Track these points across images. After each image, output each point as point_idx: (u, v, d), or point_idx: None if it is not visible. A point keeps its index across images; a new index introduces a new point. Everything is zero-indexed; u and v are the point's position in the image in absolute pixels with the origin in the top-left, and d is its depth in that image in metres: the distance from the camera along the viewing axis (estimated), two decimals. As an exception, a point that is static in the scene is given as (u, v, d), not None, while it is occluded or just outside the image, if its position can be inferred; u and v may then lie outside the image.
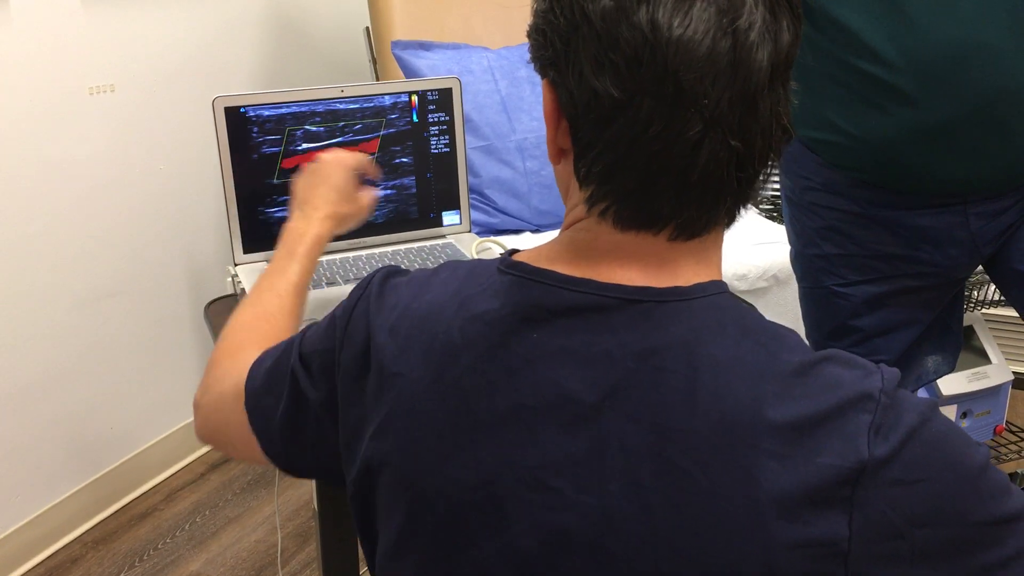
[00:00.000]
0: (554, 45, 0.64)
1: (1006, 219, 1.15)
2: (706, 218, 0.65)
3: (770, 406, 0.60)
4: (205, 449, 2.28)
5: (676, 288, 0.65)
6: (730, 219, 0.67)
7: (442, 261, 1.40)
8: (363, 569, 1.83)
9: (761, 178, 0.66)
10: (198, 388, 0.89)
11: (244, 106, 1.37)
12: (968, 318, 1.91)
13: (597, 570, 0.63)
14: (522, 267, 0.68)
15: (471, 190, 1.78)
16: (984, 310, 1.95)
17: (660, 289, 0.64)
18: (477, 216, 1.78)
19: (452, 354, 0.68)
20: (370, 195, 1.18)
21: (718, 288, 0.66)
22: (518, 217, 1.82)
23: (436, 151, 1.48)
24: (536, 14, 0.66)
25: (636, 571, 0.62)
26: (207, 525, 2.00)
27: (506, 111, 1.85)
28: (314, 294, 1.30)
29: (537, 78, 1.96)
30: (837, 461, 0.60)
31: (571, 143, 0.65)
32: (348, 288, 1.32)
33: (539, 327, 0.65)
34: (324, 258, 1.43)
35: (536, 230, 1.82)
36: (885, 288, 1.23)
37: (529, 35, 0.67)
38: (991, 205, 1.14)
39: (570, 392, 0.63)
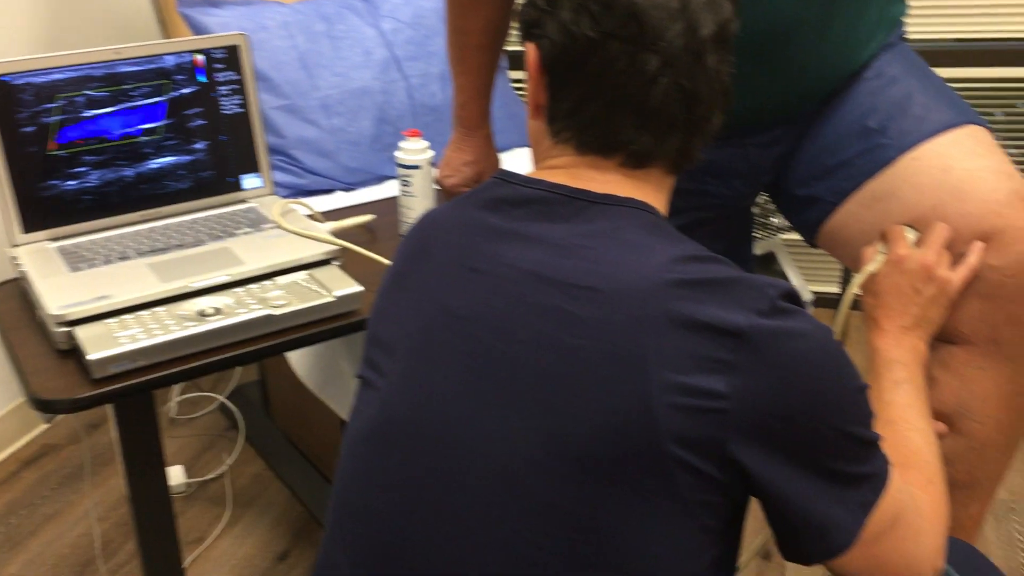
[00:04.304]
0: (537, 4, 0.79)
1: (779, 148, 1.21)
2: (656, 150, 0.79)
3: (668, 271, 0.70)
4: (16, 446, 2.14)
5: (611, 195, 0.78)
6: (677, 157, 0.80)
7: (243, 227, 1.35)
8: (187, 559, 1.77)
9: (707, 125, 0.80)
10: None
11: (8, 74, 1.26)
12: (769, 244, 2.02)
13: (504, 406, 0.72)
14: (500, 173, 0.83)
15: (276, 151, 1.73)
16: (783, 236, 2.07)
17: (598, 193, 0.78)
18: (284, 178, 1.72)
19: (432, 230, 0.84)
20: None
21: (648, 207, 0.79)
22: (328, 176, 1.77)
23: (228, 112, 1.41)
24: None
25: (539, 402, 0.70)
26: (23, 525, 1.88)
27: (306, 68, 1.79)
28: (103, 269, 1.23)
29: (336, 33, 1.91)
30: (723, 315, 0.68)
31: (547, 96, 0.80)
32: (141, 262, 1.25)
33: (498, 213, 0.79)
34: (114, 232, 1.35)
35: (348, 188, 1.78)
36: (679, 223, 1.27)
37: (520, 10, 0.82)
38: (765, 136, 1.19)
39: (508, 260, 0.75)
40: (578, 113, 0.79)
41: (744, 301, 0.69)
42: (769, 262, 2.00)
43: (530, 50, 0.81)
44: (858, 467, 0.72)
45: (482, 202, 0.82)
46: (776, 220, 2.05)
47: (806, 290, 2.00)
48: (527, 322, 0.72)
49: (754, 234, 2.01)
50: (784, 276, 1.99)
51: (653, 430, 0.67)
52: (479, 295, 0.76)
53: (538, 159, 0.85)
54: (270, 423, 2.12)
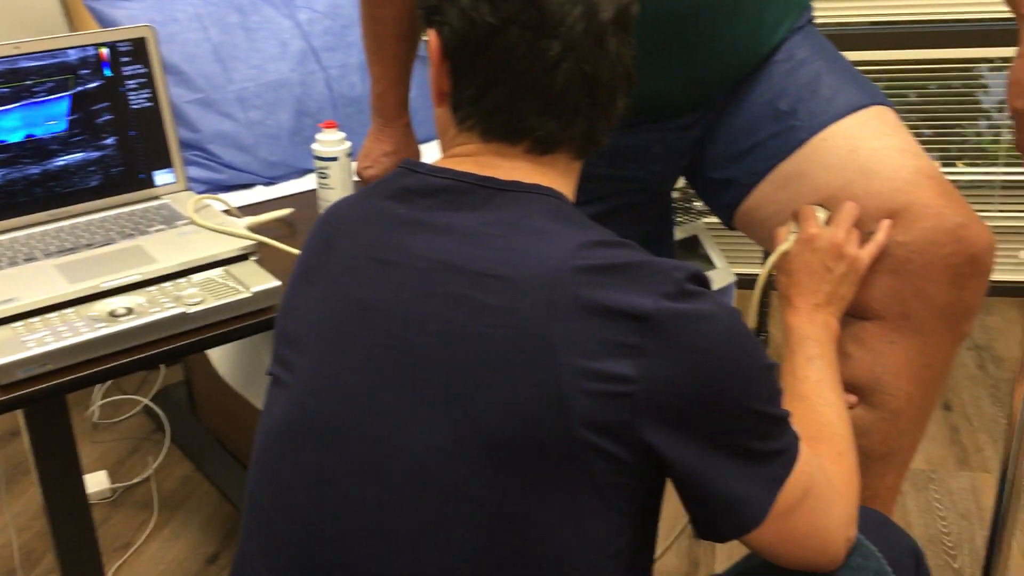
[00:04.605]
0: None
1: (696, 132, 1.22)
2: (561, 136, 0.78)
3: (575, 258, 0.70)
4: (-70, 458, 2.06)
5: (518, 182, 0.78)
6: (582, 142, 0.80)
7: (156, 224, 1.32)
8: (114, 565, 1.73)
9: (611, 109, 0.80)
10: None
11: (-102, 71, 1.21)
12: (692, 227, 2.04)
13: (420, 402, 0.71)
14: (406, 162, 0.82)
15: (191, 146, 1.69)
16: (706, 219, 2.09)
17: (504, 180, 0.77)
18: (201, 173, 1.68)
19: (337, 222, 0.82)
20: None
21: (555, 193, 0.79)
22: (247, 171, 1.73)
23: (137, 106, 1.38)
24: None
25: (451, 393, 0.70)
26: (-60, 539, 1.82)
27: (220, 60, 1.75)
28: (9, 271, 1.19)
29: (251, 24, 1.88)
30: (629, 300, 0.68)
31: (450, 83, 0.79)
32: (49, 263, 1.21)
33: (405, 203, 0.78)
34: (20, 233, 1.31)
35: (268, 182, 1.74)
36: (601, 208, 1.28)
37: None
38: (682, 120, 1.20)
39: (416, 251, 0.75)
40: (481, 100, 0.78)
41: (650, 285, 0.69)
42: (693, 245, 2.03)
43: (431, 37, 0.81)
44: (767, 444, 0.73)
45: (389, 192, 0.81)
46: (699, 203, 2.07)
47: (729, 272, 2.03)
48: (437, 312, 0.72)
49: (676, 217, 2.04)
50: (708, 259, 2.02)
51: (564, 416, 0.67)
52: (388, 287, 0.75)
53: (445, 147, 0.85)
54: (197, 424, 2.08)
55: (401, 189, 0.80)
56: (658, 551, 1.19)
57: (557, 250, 0.71)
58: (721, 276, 2.01)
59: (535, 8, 0.75)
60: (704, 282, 0.73)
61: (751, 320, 1.18)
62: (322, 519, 0.74)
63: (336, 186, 1.42)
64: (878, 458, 1.11)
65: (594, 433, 0.68)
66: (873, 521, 0.91)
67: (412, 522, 0.70)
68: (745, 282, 2.47)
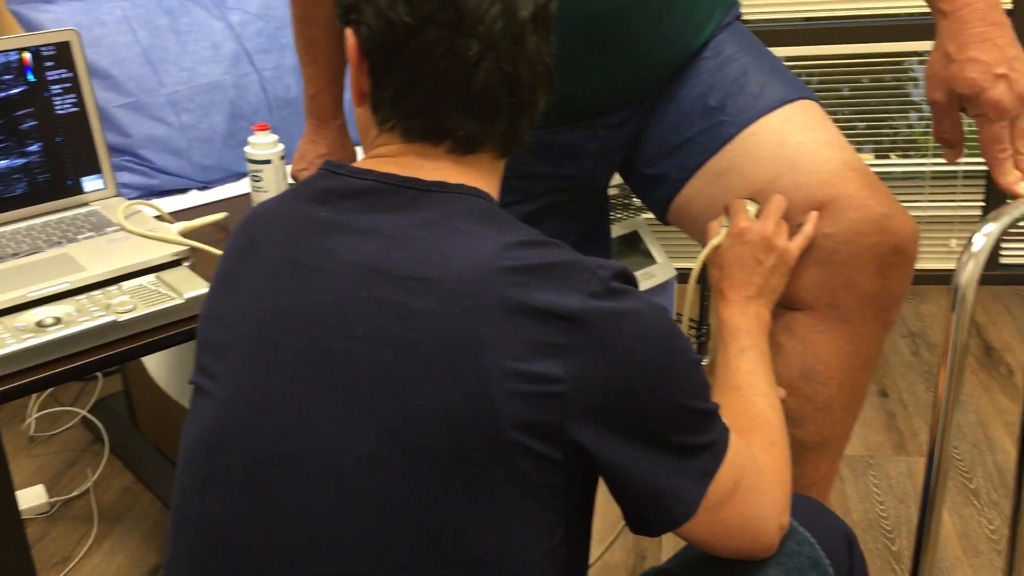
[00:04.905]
0: None
1: (628, 129, 1.23)
2: (483, 135, 0.78)
3: (501, 258, 0.70)
4: None
5: (442, 183, 0.77)
6: (505, 141, 0.80)
7: (85, 231, 1.29)
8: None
9: (532, 108, 0.80)
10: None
11: None
12: (632, 223, 2.06)
13: (347, 409, 0.70)
14: (328, 164, 0.81)
15: (122, 151, 1.65)
16: (646, 215, 2.11)
17: (427, 181, 0.77)
18: (133, 179, 1.65)
19: (258, 227, 0.81)
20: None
21: (479, 193, 0.78)
22: (181, 175, 1.71)
23: (63, 111, 1.35)
24: None
25: (379, 398, 0.69)
26: None
27: (150, 64, 1.72)
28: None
29: (181, 27, 1.85)
30: (556, 300, 0.69)
31: (369, 82, 0.79)
32: (-27, 273, 1.18)
33: (327, 206, 0.77)
34: (-57, 244, 1.27)
35: (203, 187, 1.72)
36: (536, 205, 1.29)
37: None
38: (613, 117, 1.21)
39: (340, 254, 0.74)
40: (402, 100, 0.78)
41: (577, 284, 0.70)
42: (633, 241, 2.04)
43: (348, 36, 0.79)
44: (697, 438, 0.74)
45: (310, 195, 0.80)
46: (638, 199, 2.09)
47: (670, 267, 2.05)
48: (363, 317, 0.71)
49: (617, 214, 2.06)
50: (648, 254, 2.04)
51: (493, 418, 0.67)
52: (312, 292, 0.74)
53: (366, 148, 0.84)
54: (137, 433, 2.04)
55: (323, 191, 0.79)
56: (603, 545, 1.20)
57: (483, 251, 0.71)
58: (662, 271, 2.03)
59: (453, 7, 0.74)
60: (630, 279, 0.74)
61: (688, 314, 1.20)
62: (250, 533, 0.73)
63: (270, 189, 1.41)
64: (813, 447, 1.13)
65: (524, 434, 0.68)
66: (806, 507, 0.93)
67: (343, 531, 0.70)
68: (686, 277, 2.48)
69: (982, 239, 0.92)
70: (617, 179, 1.39)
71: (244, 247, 0.81)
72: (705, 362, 2.10)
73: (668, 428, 0.72)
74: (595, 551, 1.22)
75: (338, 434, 0.70)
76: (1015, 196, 1.00)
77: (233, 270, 0.81)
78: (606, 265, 0.72)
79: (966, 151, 1.08)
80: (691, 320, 2.23)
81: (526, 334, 0.68)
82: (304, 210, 0.79)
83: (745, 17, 2.38)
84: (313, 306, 0.73)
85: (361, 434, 0.69)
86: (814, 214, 1.06)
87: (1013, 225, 0.99)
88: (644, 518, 0.75)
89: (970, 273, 0.91)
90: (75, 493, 1.92)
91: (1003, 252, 2.58)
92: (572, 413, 0.68)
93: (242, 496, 0.73)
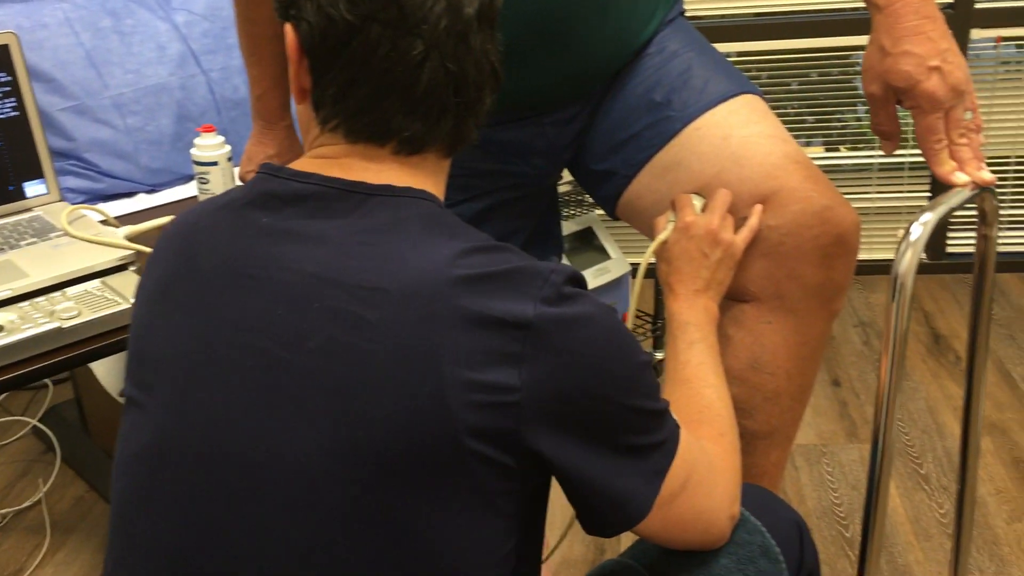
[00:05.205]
0: None
1: (576, 125, 1.24)
2: (429, 136, 0.77)
3: (453, 267, 0.69)
4: None
5: (389, 186, 0.75)
6: (451, 141, 0.79)
7: (28, 237, 1.27)
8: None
9: (478, 107, 0.78)
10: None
11: None
12: (586, 219, 2.07)
13: (300, 419, 0.69)
14: (267, 167, 0.78)
15: (66, 155, 1.63)
16: (600, 211, 2.12)
17: (374, 184, 0.75)
18: (79, 183, 1.62)
19: (195, 235, 0.78)
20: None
21: (427, 196, 0.77)
22: (128, 179, 1.69)
23: (2, 116, 1.33)
24: None
25: (333, 411, 0.68)
26: None
27: (94, 66, 1.69)
28: None
29: (125, 28, 1.82)
30: (510, 307, 0.68)
31: (311, 80, 0.76)
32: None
33: (269, 212, 0.75)
34: None
35: (151, 190, 1.70)
36: (486, 203, 1.29)
37: None
38: (561, 114, 1.22)
39: (286, 263, 0.72)
40: (344, 100, 0.75)
41: (529, 290, 0.69)
42: (587, 237, 2.05)
43: (288, 32, 0.77)
44: (648, 437, 0.75)
45: (250, 199, 0.77)
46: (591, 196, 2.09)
47: (624, 262, 2.06)
48: (316, 328, 0.69)
49: (570, 210, 2.07)
50: (603, 250, 2.05)
51: (449, 427, 0.67)
52: (260, 304, 0.72)
53: (308, 146, 0.82)
54: (89, 442, 2.01)
55: (264, 195, 0.76)
56: (555, 540, 1.20)
57: (434, 260, 0.70)
58: (617, 266, 2.04)
59: (395, 5, 0.72)
60: (581, 283, 0.74)
61: (635, 308, 1.20)
62: (196, 551, 0.71)
63: (218, 191, 1.39)
64: (763, 436, 1.14)
65: (481, 443, 0.67)
66: (757, 497, 0.94)
67: (297, 544, 0.69)
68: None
69: (919, 228, 0.94)
70: (569, 175, 1.39)
71: (180, 256, 0.78)
72: (660, 356, 2.12)
73: (620, 430, 0.73)
74: (552, 545, 1.22)
75: (292, 447, 0.69)
76: (953, 186, 1.03)
77: (170, 279, 0.78)
78: (558, 269, 0.71)
79: (906, 143, 1.10)
80: (645, 313, 2.25)
81: (482, 343, 0.67)
82: (245, 216, 0.76)
83: (694, 13, 2.42)
84: (262, 318, 0.71)
85: (315, 447, 0.68)
86: (758, 207, 1.08)
87: (952, 213, 1.01)
88: (599, 519, 0.75)
89: (908, 261, 0.93)
90: (27, 504, 1.89)
91: (950, 241, 2.63)
92: (527, 420, 0.68)
93: (192, 513, 0.71)
